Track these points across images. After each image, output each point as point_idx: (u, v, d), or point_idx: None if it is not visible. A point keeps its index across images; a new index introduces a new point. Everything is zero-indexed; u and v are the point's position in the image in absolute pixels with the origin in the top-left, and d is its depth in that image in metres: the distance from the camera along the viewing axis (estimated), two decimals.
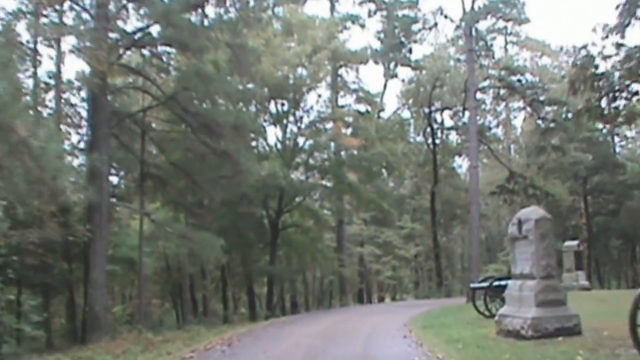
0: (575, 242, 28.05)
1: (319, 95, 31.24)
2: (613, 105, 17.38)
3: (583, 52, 17.27)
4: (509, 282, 17.91)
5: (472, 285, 18.75)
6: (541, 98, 33.58)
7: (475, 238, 27.55)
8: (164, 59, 22.32)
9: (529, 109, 37.16)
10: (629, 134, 49.89)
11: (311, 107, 31.32)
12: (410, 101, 43.50)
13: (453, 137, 48.51)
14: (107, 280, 21.79)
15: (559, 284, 12.35)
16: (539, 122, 36.28)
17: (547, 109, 36.16)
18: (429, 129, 43.89)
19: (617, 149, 47.79)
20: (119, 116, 21.84)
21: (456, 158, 50.17)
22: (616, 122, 19.02)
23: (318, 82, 30.06)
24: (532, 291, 11.98)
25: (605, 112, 17.61)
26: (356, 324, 18.47)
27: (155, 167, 24.05)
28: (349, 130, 31.35)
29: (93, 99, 21.28)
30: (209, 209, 29.62)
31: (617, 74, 16.89)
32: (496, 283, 17.55)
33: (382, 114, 41.24)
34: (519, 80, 33.77)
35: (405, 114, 45.97)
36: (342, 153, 32.81)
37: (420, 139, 47.26)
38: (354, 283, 43.37)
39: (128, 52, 22.54)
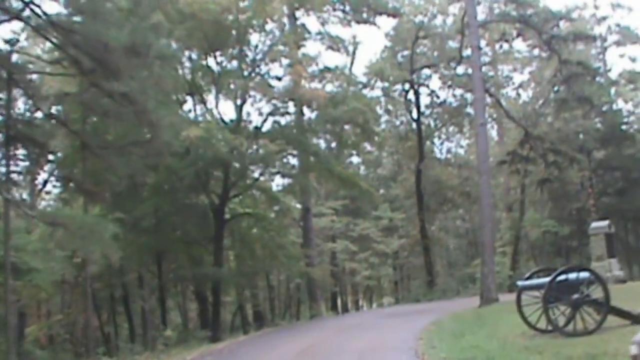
0: (605, 223, 22.75)
1: (268, 32, 23.32)
2: None
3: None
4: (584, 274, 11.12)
5: (520, 283, 11.63)
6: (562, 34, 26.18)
7: (488, 217, 20.29)
8: None
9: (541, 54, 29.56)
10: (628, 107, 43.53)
11: (263, 56, 23.45)
12: (388, 65, 35.69)
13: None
14: None
15: None
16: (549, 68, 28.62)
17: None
18: (412, 94, 35.82)
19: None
20: None
21: (435, 141, 43.47)
22: None
23: (266, 16, 22.26)
24: None
25: None
26: (337, 357, 11.06)
27: (27, 125, 16.28)
28: (313, 84, 23.91)
29: None
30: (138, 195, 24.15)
31: None
32: (561, 277, 10.55)
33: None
34: (530, 16, 26.53)
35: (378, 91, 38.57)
36: (305, 115, 25.21)
37: (401, 120, 39.83)
38: (325, 286, 35.74)
39: None
